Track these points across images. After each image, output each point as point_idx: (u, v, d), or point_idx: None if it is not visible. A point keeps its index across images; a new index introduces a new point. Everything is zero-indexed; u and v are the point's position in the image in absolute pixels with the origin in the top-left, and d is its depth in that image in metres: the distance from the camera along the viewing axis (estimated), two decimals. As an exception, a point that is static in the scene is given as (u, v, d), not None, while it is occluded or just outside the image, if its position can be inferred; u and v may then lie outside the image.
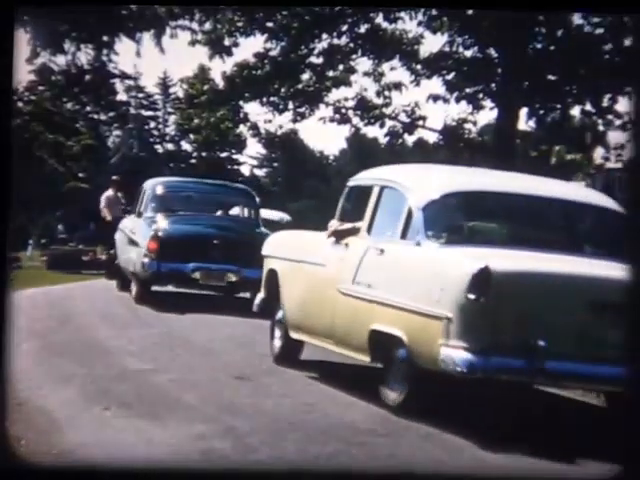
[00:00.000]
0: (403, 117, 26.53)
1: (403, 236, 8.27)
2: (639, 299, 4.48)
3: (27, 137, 37.96)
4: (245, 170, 60.15)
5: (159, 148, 56.71)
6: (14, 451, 6.15)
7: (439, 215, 8.22)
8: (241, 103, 27.66)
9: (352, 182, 9.59)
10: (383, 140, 31.62)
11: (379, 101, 26.40)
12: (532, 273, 7.50)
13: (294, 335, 9.58)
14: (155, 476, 6.06)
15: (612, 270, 7.53)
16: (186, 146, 56.52)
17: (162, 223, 15.01)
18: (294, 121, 27.15)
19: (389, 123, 26.69)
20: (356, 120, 26.84)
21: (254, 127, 27.98)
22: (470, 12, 23.45)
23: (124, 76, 49.72)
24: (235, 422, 7.29)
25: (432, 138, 27.81)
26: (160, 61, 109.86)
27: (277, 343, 9.96)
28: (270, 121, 27.58)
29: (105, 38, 33.35)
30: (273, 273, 10.09)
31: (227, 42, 26.04)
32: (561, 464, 6.79)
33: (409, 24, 25.37)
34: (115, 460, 6.30)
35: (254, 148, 71.30)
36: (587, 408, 8.94)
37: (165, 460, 6.32)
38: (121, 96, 53.68)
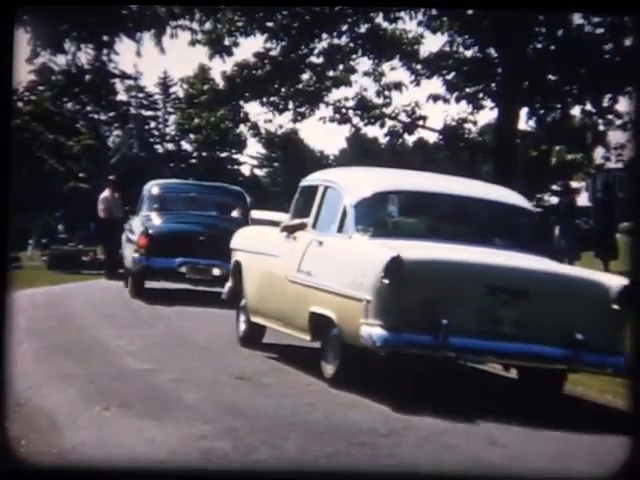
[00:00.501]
0: (403, 117, 26.56)
1: (339, 230, 9.42)
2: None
3: (27, 137, 37.96)
4: (245, 170, 60.18)
5: (159, 148, 56.73)
6: (14, 451, 6.15)
7: (368, 212, 9.41)
8: (241, 103, 27.68)
9: (303, 183, 10.66)
10: (383, 140, 31.67)
11: (379, 101, 26.44)
12: (439, 261, 8.59)
13: (254, 319, 10.67)
14: (155, 476, 6.06)
15: (514, 259, 8.86)
16: (186, 146, 56.57)
17: (153, 221, 16.17)
18: (294, 121, 27.18)
19: (389, 123, 26.72)
20: (356, 120, 26.88)
21: (254, 127, 28.00)
22: (470, 12, 23.46)
23: (124, 76, 49.72)
24: (235, 422, 7.29)
25: (432, 138, 27.87)
26: (160, 61, 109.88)
27: (241, 327, 11.03)
28: (270, 121, 27.61)
29: (105, 38, 33.39)
30: (238, 264, 11.22)
31: (227, 42, 26.07)
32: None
33: (409, 24, 25.41)
34: (115, 460, 6.31)
35: (254, 148, 71.34)
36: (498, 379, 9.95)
37: (165, 460, 6.32)
38: (121, 96, 53.74)
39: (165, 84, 57.59)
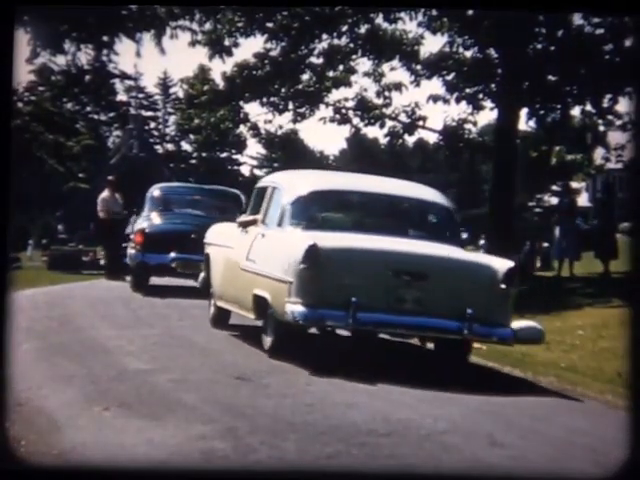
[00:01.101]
0: (403, 117, 26.53)
1: (279, 224, 10.90)
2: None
3: (27, 137, 37.95)
4: (245, 170, 60.16)
5: (159, 148, 56.72)
6: (14, 451, 6.15)
7: (302, 208, 10.88)
8: (241, 103, 27.65)
9: (257, 184, 12.34)
10: (383, 140, 31.66)
11: (379, 101, 26.40)
12: (350, 249, 10.09)
13: (219, 303, 12.24)
14: (155, 476, 6.06)
15: (418, 247, 10.39)
16: (186, 146, 56.55)
17: (152, 220, 17.49)
18: (294, 121, 27.15)
19: (389, 123, 26.68)
20: (356, 120, 26.84)
21: (254, 127, 27.97)
22: (470, 12, 23.45)
23: (124, 76, 49.75)
24: (235, 422, 7.28)
25: (432, 138, 27.86)
26: (160, 61, 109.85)
27: (211, 310, 12.58)
28: (270, 121, 27.57)
29: (105, 38, 33.39)
30: (207, 256, 12.85)
31: (227, 42, 26.03)
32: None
33: (409, 24, 25.37)
34: (115, 460, 6.30)
35: (254, 148, 71.33)
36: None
37: (165, 460, 6.31)
38: (121, 96, 53.74)
39: (165, 84, 57.61)
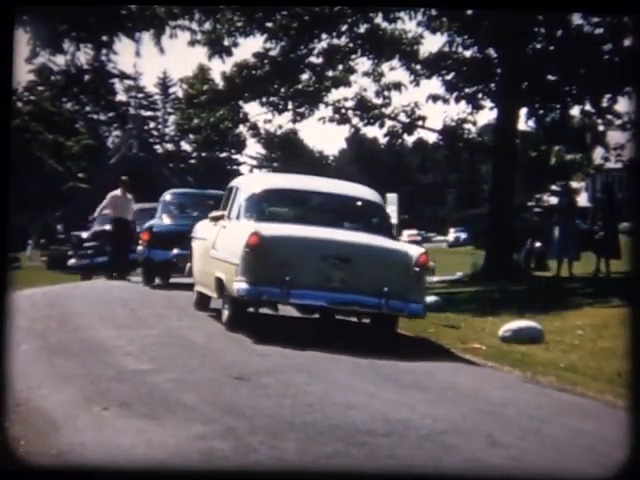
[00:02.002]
0: (403, 117, 26.56)
1: (237, 217, 12.79)
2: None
3: (27, 137, 37.94)
4: (245, 170, 60.16)
5: (159, 148, 56.72)
6: (13, 451, 6.14)
7: (254, 204, 12.75)
8: (241, 103, 27.66)
9: (228, 185, 13.93)
10: (383, 140, 31.66)
11: (379, 101, 26.43)
12: (286, 237, 11.83)
13: (197, 288, 14.06)
14: (155, 477, 6.06)
15: (346, 236, 12.14)
16: (185, 146, 56.58)
17: (162, 221, 19.39)
18: (294, 121, 27.17)
19: (389, 123, 26.71)
20: (356, 120, 26.87)
21: (254, 127, 27.99)
22: (470, 12, 23.45)
23: (124, 76, 49.74)
24: (235, 422, 7.28)
25: (432, 138, 27.84)
26: (160, 61, 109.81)
27: (194, 295, 14.26)
28: (270, 121, 27.59)
29: (104, 38, 33.38)
30: (191, 248, 14.76)
31: (227, 42, 26.05)
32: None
33: (408, 24, 25.44)
34: (114, 461, 6.30)
35: (254, 148, 71.38)
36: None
37: (164, 461, 6.31)
38: (121, 96, 53.78)
39: (164, 84, 57.60)
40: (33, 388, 8.42)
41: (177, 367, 9.54)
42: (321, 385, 8.83)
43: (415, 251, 12.05)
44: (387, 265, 11.77)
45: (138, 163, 46.04)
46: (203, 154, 54.83)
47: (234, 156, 58.13)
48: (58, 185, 42.45)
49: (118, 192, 20.89)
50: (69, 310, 13.94)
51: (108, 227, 23.85)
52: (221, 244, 12.78)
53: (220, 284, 12.34)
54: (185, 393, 8.32)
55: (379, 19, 25.52)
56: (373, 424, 7.30)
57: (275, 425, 7.23)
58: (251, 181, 14.24)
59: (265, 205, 12.81)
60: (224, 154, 56.56)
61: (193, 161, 55.57)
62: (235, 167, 58.18)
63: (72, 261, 26.17)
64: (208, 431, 6.99)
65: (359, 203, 13.22)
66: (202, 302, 13.82)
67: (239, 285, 11.59)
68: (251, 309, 12.20)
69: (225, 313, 12.20)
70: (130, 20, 30.77)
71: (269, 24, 25.73)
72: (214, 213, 13.68)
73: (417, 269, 11.79)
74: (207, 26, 26.25)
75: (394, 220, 17.16)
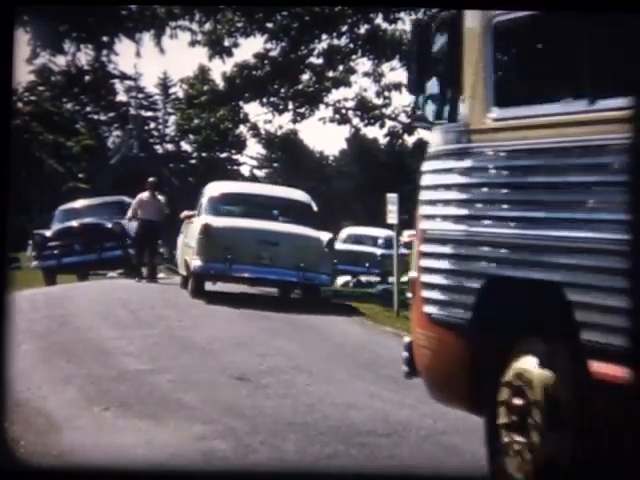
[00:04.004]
0: (403, 117, 26.55)
1: (200, 214, 16.73)
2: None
3: (27, 137, 37.94)
4: (245, 171, 60.13)
5: (159, 148, 56.67)
6: (13, 452, 6.14)
7: (213, 203, 16.85)
8: (241, 104, 27.66)
9: (200, 190, 17.86)
10: (383, 140, 31.64)
11: (379, 101, 26.42)
12: (230, 227, 15.98)
13: (180, 271, 17.92)
14: (155, 477, 6.05)
15: (277, 226, 16.45)
16: (186, 146, 56.46)
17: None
18: (294, 121, 27.18)
19: (389, 123, 26.71)
20: (356, 120, 26.88)
21: (254, 127, 28.01)
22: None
23: (124, 76, 49.70)
24: (235, 423, 7.28)
25: (432, 139, 27.77)
26: (160, 61, 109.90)
27: (180, 279, 17.86)
28: (270, 121, 27.57)
29: (105, 38, 33.34)
30: (178, 242, 18.67)
31: (227, 42, 26.04)
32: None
33: (409, 24, 25.37)
34: (115, 461, 6.30)
35: (254, 148, 71.29)
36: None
37: (165, 461, 6.31)
38: (121, 96, 53.66)
39: (165, 85, 57.56)
40: (33, 389, 8.42)
41: (177, 367, 9.54)
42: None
43: (326, 237, 16.36)
44: (304, 247, 15.84)
45: (138, 163, 46.01)
46: (203, 154, 54.78)
47: (234, 156, 58.09)
48: (58, 185, 42.44)
49: (146, 194, 20.01)
50: (69, 310, 13.93)
51: (75, 224, 23.16)
52: (189, 234, 16.90)
53: (186, 264, 16.51)
54: (185, 393, 8.33)
55: (379, 20, 25.53)
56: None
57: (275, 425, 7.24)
58: (212, 187, 17.75)
59: (220, 205, 16.99)
60: (224, 154, 56.50)
61: (193, 161, 55.52)
62: (235, 167, 58.19)
63: (35, 263, 22.96)
64: (208, 431, 6.99)
65: (290, 202, 17.58)
66: (185, 283, 16.92)
67: (195, 262, 15.77)
68: (214, 287, 16.35)
69: (189, 286, 16.12)
70: (130, 20, 30.74)
71: (269, 24, 25.73)
72: (185, 212, 17.72)
73: (326, 250, 16.18)
74: (207, 26, 26.25)
75: (394, 220, 17.14)
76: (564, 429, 4.94)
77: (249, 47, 28.95)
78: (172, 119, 56.67)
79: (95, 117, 52.66)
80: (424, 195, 6.38)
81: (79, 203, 25.49)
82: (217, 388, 8.62)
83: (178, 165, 54.23)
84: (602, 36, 5.03)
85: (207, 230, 15.64)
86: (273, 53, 26.17)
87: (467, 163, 5.94)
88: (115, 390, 8.43)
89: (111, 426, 7.20)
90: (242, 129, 29.12)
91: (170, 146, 57.22)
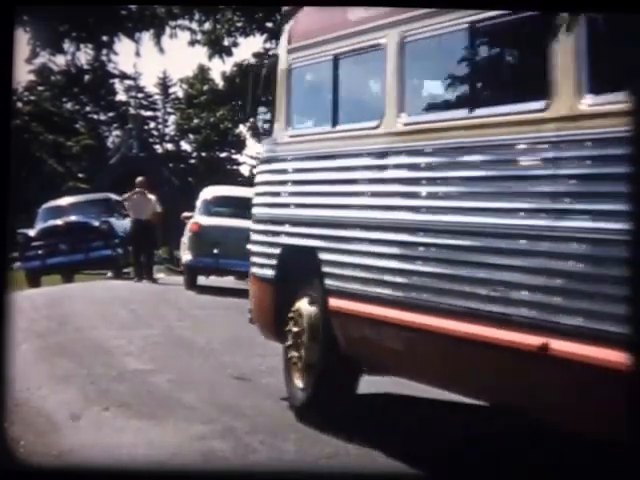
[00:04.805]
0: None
1: (195, 215, 18.75)
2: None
3: (27, 137, 37.95)
4: (244, 170, 60.15)
5: (159, 148, 56.67)
6: (13, 452, 6.14)
7: (205, 205, 18.90)
8: (241, 103, 27.64)
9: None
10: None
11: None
12: (216, 225, 17.83)
13: (181, 268, 20.12)
14: (155, 477, 6.05)
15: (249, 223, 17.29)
16: (185, 146, 56.47)
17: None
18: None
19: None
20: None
21: (254, 127, 27.97)
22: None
23: (124, 76, 49.76)
24: (235, 422, 7.28)
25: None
26: (160, 61, 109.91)
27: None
28: (270, 121, 27.57)
29: (104, 38, 33.33)
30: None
31: (226, 42, 26.06)
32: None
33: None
34: (115, 461, 6.30)
35: (254, 148, 71.23)
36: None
37: (164, 461, 6.31)
38: (121, 96, 53.70)
39: (164, 84, 57.53)
40: (33, 388, 8.43)
41: (177, 367, 9.55)
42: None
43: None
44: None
45: (138, 163, 46.03)
46: (203, 154, 54.80)
47: (234, 156, 58.11)
48: (58, 185, 42.44)
49: (134, 194, 19.94)
50: (69, 310, 13.94)
51: (60, 222, 22.52)
52: (185, 234, 18.84)
53: (181, 259, 19.13)
54: (185, 393, 8.33)
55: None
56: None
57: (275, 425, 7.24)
58: (206, 191, 19.69)
59: (211, 206, 18.77)
60: (224, 154, 56.53)
61: (193, 161, 55.56)
62: (235, 167, 58.22)
63: (18, 264, 21.57)
64: (208, 431, 6.99)
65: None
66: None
67: (186, 257, 18.19)
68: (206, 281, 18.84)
69: (184, 279, 18.29)
70: (130, 20, 30.74)
71: (269, 24, 25.74)
72: (185, 214, 19.44)
73: None
74: (207, 26, 26.27)
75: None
76: (318, 344, 7.31)
77: (249, 47, 28.94)
78: (172, 119, 56.66)
79: (95, 117, 52.68)
80: (255, 189, 8.82)
81: (64, 201, 24.52)
82: (217, 388, 8.62)
83: (178, 165, 54.23)
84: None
85: (197, 228, 17.83)
86: (273, 52, 26.17)
87: (274, 166, 8.27)
88: (115, 390, 8.43)
89: (111, 426, 7.20)
90: (242, 129, 29.15)
91: (170, 146, 57.21)
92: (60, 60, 35.93)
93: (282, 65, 8.25)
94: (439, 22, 5.98)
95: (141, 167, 42.37)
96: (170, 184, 46.11)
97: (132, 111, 53.90)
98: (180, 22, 28.02)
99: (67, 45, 32.97)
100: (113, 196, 24.36)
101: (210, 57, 26.40)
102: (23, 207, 23.47)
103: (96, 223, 22.64)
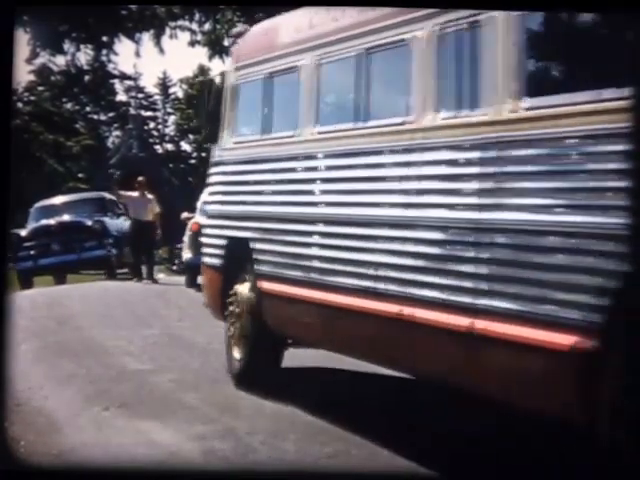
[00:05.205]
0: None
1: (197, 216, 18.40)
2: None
3: (27, 137, 37.95)
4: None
5: (159, 148, 56.70)
6: (13, 452, 6.14)
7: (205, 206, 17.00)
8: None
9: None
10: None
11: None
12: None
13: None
14: (155, 477, 6.06)
15: None
16: (186, 146, 56.49)
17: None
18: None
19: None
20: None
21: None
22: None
23: (124, 76, 49.78)
24: (235, 422, 7.28)
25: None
26: (160, 61, 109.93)
27: None
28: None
29: (104, 38, 33.38)
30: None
31: (227, 42, 26.04)
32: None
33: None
34: (114, 461, 6.30)
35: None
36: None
37: (165, 461, 6.31)
38: (121, 96, 53.72)
39: (164, 84, 57.56)
40: (33, 388, 8.43)
41: (177, 367, 9.55)
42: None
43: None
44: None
45: (138, 163, 46.03)
46: (203, 154, 54.83)
47: (234, 156, 58.10)
48: (58, 185, 42.44)
49: (136, 193, 19.84)
50: (69, 310, 13.94)
51: (52, 222, 22.10)
52: (185, 232, 19.10)
53: (182, 258, 19.76)
54: (185, 393, 8.33)
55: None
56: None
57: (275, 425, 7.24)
58: (205, 192, 21.25)
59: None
60: (224, 154, 56.53)
61: (193, 161, 55.58)
62: (235, 167, 58.15)
63: (10, 264, 20.52)
64: (208, 431, 6.99)
65: None
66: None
67: (186, 255, 18.58)
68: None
69: (184, 278, 18.79)
70: (130, 20, 30.78)
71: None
72: (185, 214, 19.80)
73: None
74: (207, 26, 26.27)
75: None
76: (251, 321, 8.51)
77: (249, 47, 28.84)
78: (172, 119, 56.69)
79: (95, 117, 52.68)
80: (208, 189, 10.07)
81: (57, 200, 24.07)
82: (217, 388, 8.63)
83: (178, 165, 54.25)
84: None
85: (197, 227, 17.64)
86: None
87: (221, 169, 9.42)
88: (115, 390, 8.43)
89: (111, 425, 7.20)
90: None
91: (170, 146, 57.24)
92: (60, 60, 35.99)
93: (229, 81, 9.50)
94: (345, 47, 7.28)
95: (141, 167, 42.39)
96: (170, 184, 46.11)
97: (132, 111, 53.92)
98: (180, 22, 28.09)
99: (67, 45, 33.04)
100: (107, 195, 24.20)
101: (210, 57, 26.41)
102: (23, 207, 23.45)
103: (89, 222, 22.25)
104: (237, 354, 8.75)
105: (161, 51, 31.26)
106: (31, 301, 14.50)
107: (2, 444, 5.72)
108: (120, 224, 22.97)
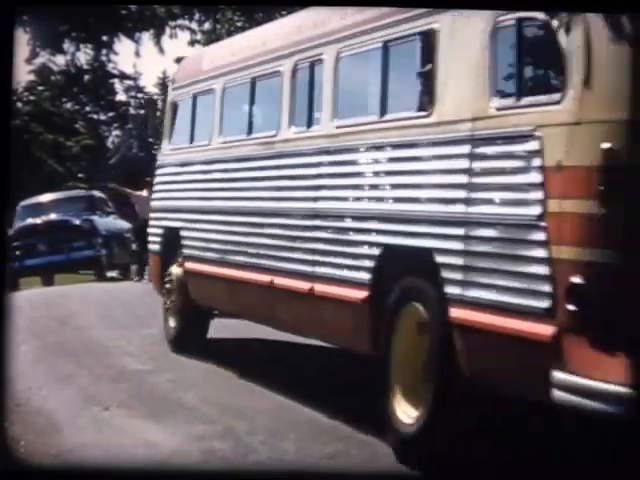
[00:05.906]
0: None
1: None
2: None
3: (26, 137, 37.95)
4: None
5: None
6: (13, 452, 6.14)
7: None
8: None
9: None
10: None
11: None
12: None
13: None
14: (155, 477, 6.06)
15: None
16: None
17: None
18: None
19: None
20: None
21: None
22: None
23: (123, 76, 49.73)
24: (234, 422, 7.28)
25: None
26: (160, 61, 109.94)
27: None
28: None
29: (104, 38, 33.39)
30: None
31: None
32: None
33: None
34: (114, 461, 6.30)
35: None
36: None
37: (165, 461, 6.31)
38: (120, 96, 53.65)
39: (164, 84, 57.48)
40: (33, 388, 8.42)
41: (177, 367, 9.55)
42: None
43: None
44: None
45: (138, 163, 46.00)
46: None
47: (234, 156, 58.08)
48: (58, 185, 42.41)
49: (143, 193, 19.64)
50: (68, 310, 13.94)
51: (39, 221, 21.23)
52: None
53: None
54: (185, 393, 8.33)
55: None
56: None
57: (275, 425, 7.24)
58: None
59: None
60: (224, 154, 56.52)
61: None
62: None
63: None
64: (208, 431, 6.99)
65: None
66: None
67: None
68: None
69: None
70: (130, 20, 30.79)
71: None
72: None
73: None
74: (207, 26, 26.27)
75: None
76: (181, 296, 10.44)
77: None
78: (172, 119, 56.58)
79: (95, 117, 52.63)
80: (154, 187, 11.78)
81: (44, 198, 22.94)
82: (217, 388, 8.63)
83: (178, 165, 54.16)
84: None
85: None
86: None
87: (162, 170, 11.42)
88: (115, 390, 8.43)
89: (111, 426, 7.20)
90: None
91: (170, 146, 57.17)
92: (60, 60, 35.99)
93: (169, 99, 11.82)
94: (240, 76, 9.53)
95: (141, 167, 42.38)
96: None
97: (132, 111, 53.88)
98: (180, 22, 28.09)
99: (67, 45, 33.07)
100: (96, 193, 23.86)
101: (210, 57, 26.36)
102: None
103: (77, 221, 21.45)
104: (172, 324, 10.65)
105: (161, 51, 31.31)
106: (31, 301, 14.50)
107: (2, 444, 5.72)
108: (109, 223, 22.49)
